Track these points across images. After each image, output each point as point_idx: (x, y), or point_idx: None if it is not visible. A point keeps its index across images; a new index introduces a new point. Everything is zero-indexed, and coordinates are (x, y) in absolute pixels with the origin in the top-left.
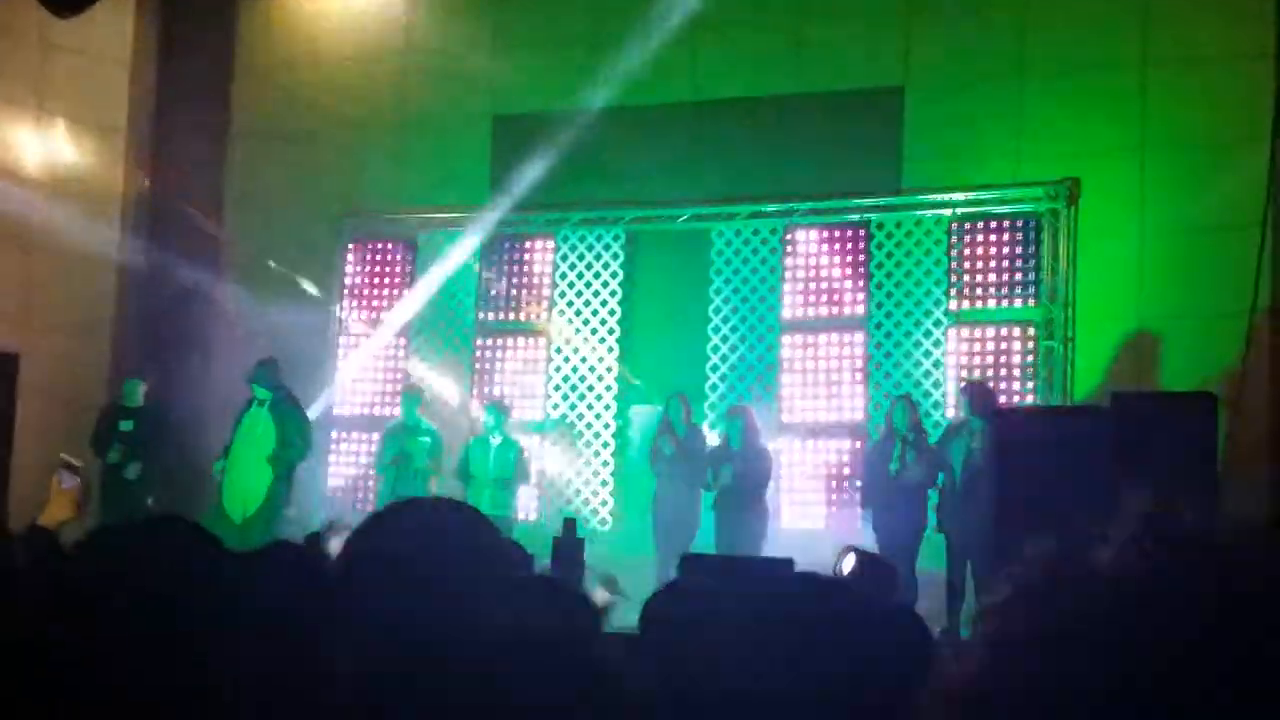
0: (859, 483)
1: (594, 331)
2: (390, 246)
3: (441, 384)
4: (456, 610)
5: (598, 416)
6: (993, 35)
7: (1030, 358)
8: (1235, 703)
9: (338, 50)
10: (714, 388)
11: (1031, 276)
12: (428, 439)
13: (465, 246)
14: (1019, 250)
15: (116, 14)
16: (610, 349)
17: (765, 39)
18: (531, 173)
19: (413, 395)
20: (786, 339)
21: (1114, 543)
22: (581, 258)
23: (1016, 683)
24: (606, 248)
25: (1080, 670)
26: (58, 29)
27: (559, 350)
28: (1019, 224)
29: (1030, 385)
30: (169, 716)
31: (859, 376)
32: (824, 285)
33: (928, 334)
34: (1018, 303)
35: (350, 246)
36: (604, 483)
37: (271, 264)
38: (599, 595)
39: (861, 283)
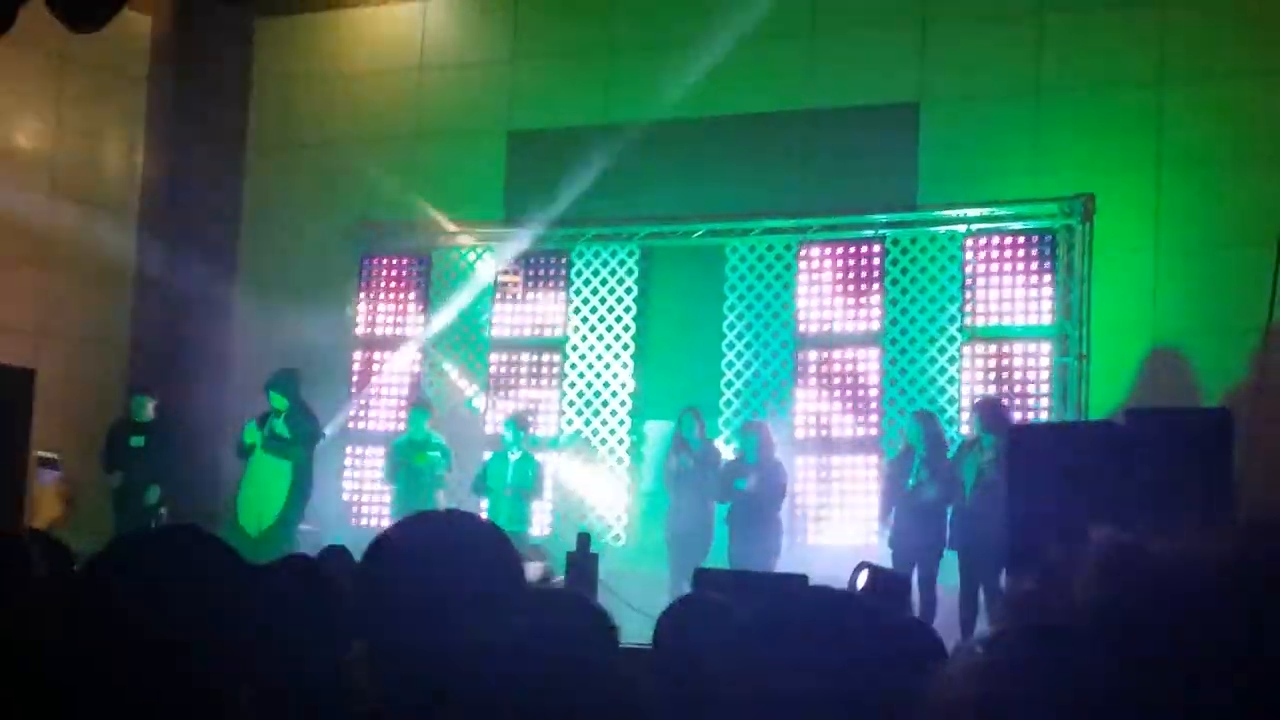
0: (876, 499)
1: (609, 347)
2: (406, 261)
3: (456, 398)
4: (471, 623)
5: (612, 432)
6: (1008, 51)
7: (1045, 374)
8: None
9: (354, 65)
10: (729, 403)
11: (1047, 293)
12: (437, 453)
13: (481, 261)
14: (1034, 266)
15: (133, 28)
16: (625, 365)
17: (781, 54)
18: (547, 188)
19: (422, 410)
20: (801, 355)
21: (1079, 577)
22: (596, 273)
23: (1021, 697)
24: (621, 263)
25: (1072, 694)
26: (74, 42)
27: (574, 366)
28: (1034, 240)
29: (1045, 402)
30: None
31: (874, 393)
32: (839, 301)
33: (942, 350)
34: (1033, 319)
35: (366, 260)
36: (618, 497)
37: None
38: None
39: (876, 299)
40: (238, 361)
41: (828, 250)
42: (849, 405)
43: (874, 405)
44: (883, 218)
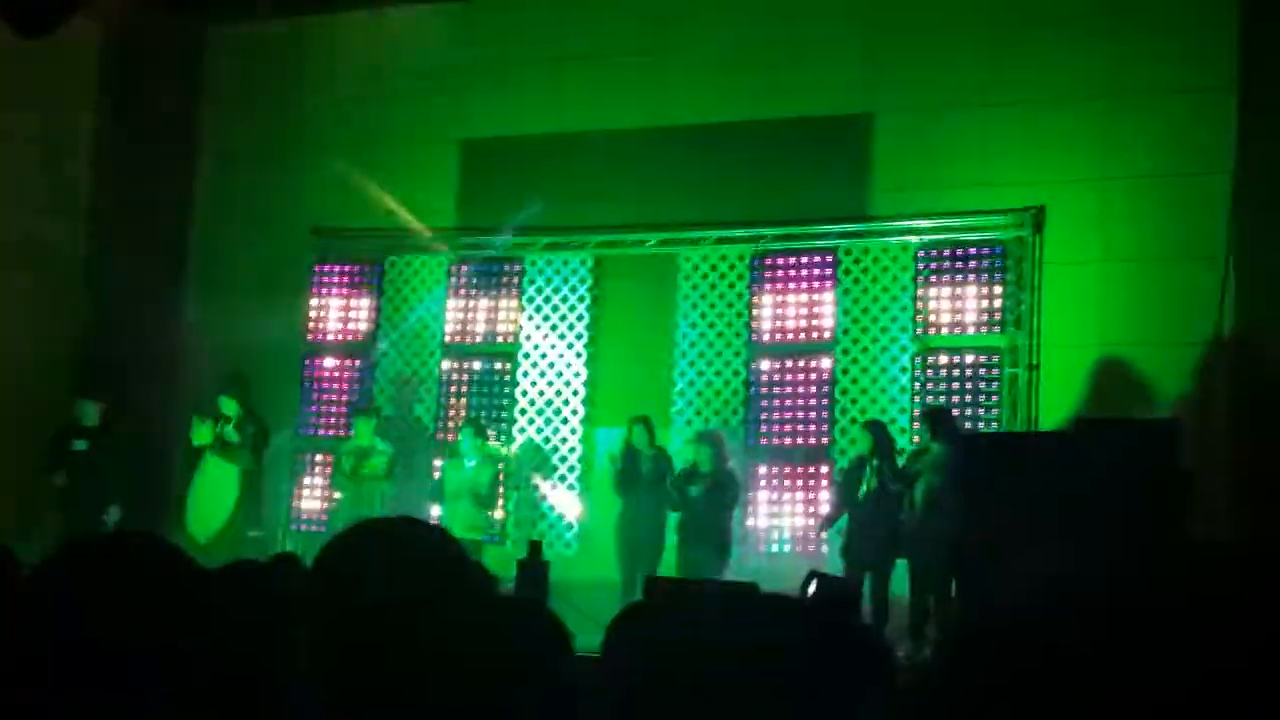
0: (827, 507)
1: (561, 355)
2: (358, 268)
3: (406, 405)
4: (423, 630)
5: (564, 440)
6: (960, 64)
7: (995, 384)
8: None
9: (308, 72)
10: (681, 412)
11: (997, 304)
12: (384, 459)
13: (433, 268)
14: (985, 277)
15: (84, 34)
16: (577, 373)
17: (734, 65)
18: (499, 196)
19: (367, 416)
20: (753, 364)
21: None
22: (549, 281)
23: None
24: (574, 272)
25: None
26: (24, 47)
27: (526, 374)
28: (985, 251)
29: (995, 412)
30: None
31: (826, 401)
32: (791, 311)
33: (894, 359)
34: (984, 329)
35: (318, 266)
36: (570, 505)
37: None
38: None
39: (829, 309)
40: (188, 366)
41: (780, 260)
42: (801, 414)
43: (825, 414)
44: (836, 228)
